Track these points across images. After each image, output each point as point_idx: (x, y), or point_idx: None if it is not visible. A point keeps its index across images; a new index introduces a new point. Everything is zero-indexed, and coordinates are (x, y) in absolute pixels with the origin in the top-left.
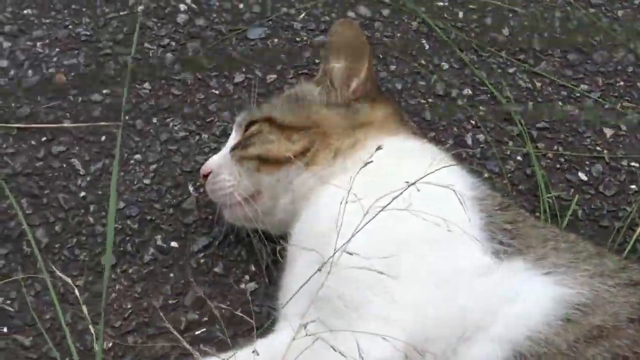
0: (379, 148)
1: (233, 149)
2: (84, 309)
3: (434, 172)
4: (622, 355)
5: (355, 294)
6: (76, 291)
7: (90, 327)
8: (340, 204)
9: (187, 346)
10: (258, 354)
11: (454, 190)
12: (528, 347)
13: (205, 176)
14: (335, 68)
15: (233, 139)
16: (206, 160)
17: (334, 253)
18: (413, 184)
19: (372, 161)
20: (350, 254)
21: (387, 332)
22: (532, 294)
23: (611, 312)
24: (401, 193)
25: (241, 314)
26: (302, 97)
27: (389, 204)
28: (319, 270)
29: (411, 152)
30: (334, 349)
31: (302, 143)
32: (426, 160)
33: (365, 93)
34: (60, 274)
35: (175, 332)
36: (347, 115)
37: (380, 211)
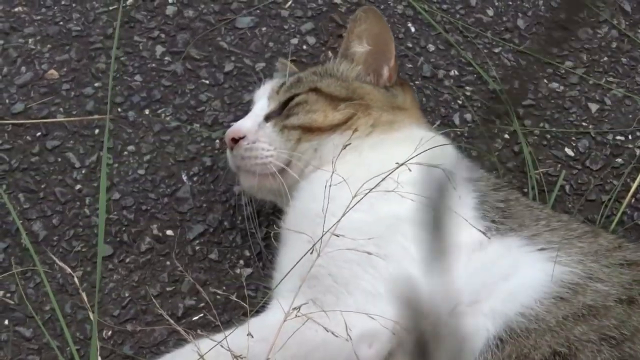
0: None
1: (268, 117)
2: (84, 297)
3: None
4: (610, 335)
5: (345, 271)
6: (75, 280)
7: (91, 314)
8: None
9: (182, 331)
10: (252, 337)
11: (442, 170)
12: (519, 323)
13: (235, 140)
14: (358, 53)
15: (264, 107)
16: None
17: (323, 234)
18: (402, 164)
19: (350, 143)
20: (337, 236)
21: (375, 306)
22: (526, 270)
23: (603, 291)
24: (389, 174)
25: (236, 299)
26: (339, 74)
27: (376, 185)
28: (310, 252)
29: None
30: (326, 330)
31: (348, 112)
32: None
33: (396, 79)
34: (60, 263)
35: (170, 319)
36: (388, 96)
37: (367, 193)
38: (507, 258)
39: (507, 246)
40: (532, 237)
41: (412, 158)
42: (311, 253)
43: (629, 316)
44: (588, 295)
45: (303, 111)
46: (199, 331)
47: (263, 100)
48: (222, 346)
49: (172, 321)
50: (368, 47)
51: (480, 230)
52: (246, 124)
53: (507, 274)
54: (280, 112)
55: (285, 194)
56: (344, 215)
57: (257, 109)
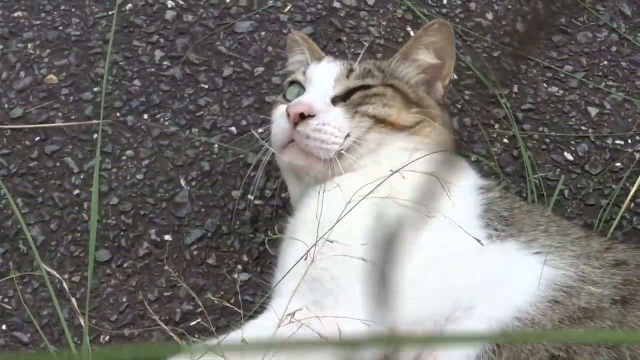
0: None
1: (335, 100)
2: (74, 302)
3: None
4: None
5: (346, 275)
6: (64, 285)
7: (81, 320)
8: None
9: (175, 336)
10: (246, 342)
11: (437, 177)
12: (515, 328)
13: (304, 116)
14: (421, 61)
15: (329, 89)
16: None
17: (317, 240)
18: (396, 171)
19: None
20: (331, 241)
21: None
22: (522, 275)
23: (596, 293)
24: (384, 181)
25: (230, 305)
26: (401, 76)
27: (370, 192)
28: (304, 258)
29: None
30: (320, 335)
31: (418, 117)
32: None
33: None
34: (50, 270)
35: (164, 325)
36: (442, 113)
37: (362, 199)
38: (504, 262)
39: (505, 251)
40: (529, 241)
41: (405, 165)
42: (305, 259)
43: (624, 316)
44: (582, 298)
45: (380, 103)
46: (195, 336)
47: (327, 80)
48: (215, 352)
49: (165, 327)
50: (434, 60)
51: (475, 238)
52: (317, 103)
53: (504, 278)
54: (345, 98)
55: (328, 180)
56: (337, 222)
57: (322, 89)
